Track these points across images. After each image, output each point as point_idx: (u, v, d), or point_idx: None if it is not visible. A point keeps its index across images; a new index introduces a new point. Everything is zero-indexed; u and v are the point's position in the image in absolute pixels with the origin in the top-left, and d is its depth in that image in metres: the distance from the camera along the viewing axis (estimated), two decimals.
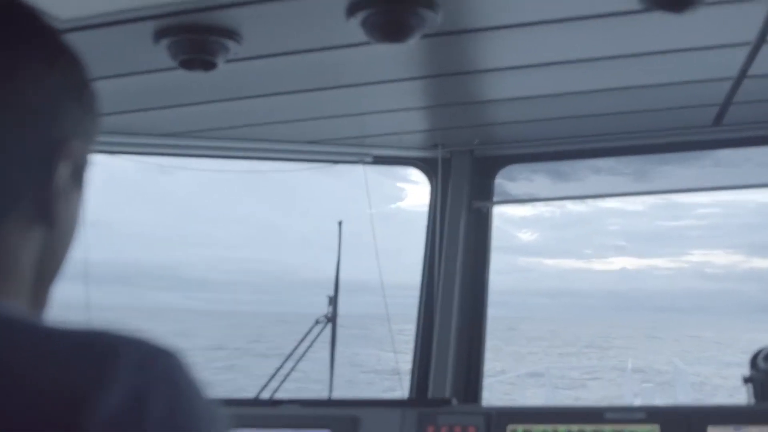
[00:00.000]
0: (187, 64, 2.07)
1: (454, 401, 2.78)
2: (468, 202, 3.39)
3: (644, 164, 3.49)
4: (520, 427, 2.61)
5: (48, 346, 0.60)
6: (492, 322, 3.54)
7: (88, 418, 0.55)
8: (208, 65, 2.07)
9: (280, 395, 2.99)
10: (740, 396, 2.88)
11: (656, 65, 2.40)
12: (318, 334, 3.18)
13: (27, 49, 0.75)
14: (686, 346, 56.41)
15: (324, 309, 3.21)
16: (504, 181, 3.49)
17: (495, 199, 3.47)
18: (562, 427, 2.60)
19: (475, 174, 3.40)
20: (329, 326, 3.19)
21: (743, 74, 2.47)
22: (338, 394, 3.19)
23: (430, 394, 3.29)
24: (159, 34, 1.97)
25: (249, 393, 3.29)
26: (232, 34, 1.99)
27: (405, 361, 3.52)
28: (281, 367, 3.19)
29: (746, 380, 2.81)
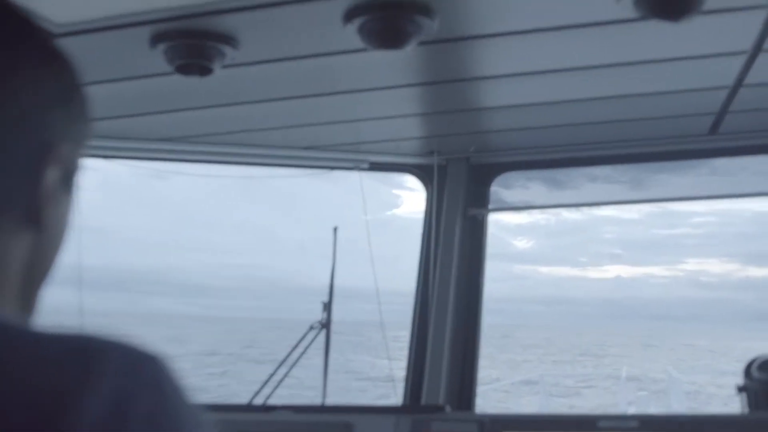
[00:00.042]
0: (184, 70, 2.07)
1: (448, 408, 2.78)
2: (463, 210, 3.39)
3: (640, 172, 3.49)
4: None
5: (35, 350, 0.60)
6: (487, 330, 3.54)
7: (72, 421, 0.55)
8: (205, 70, 2.07)
9: (273, 401, 2.99)
10: (734, 405, 2.87)
11: (652, 74, 2.40)
12: (312, 341, 3.17)
13: (17, 53, 0.75)
14: (681, 355, 56.39)
15: (318, 315, 3.20)
16: (499, 189, 3.50)
17: (490, 206, 3.48)
18: None
19: (470, 181, 3.40)
20: (323, 332, 3.18)
21: (739, 83, 2.47)
22: (331, 401, 3.18)
23: (423, 401, 3.28)
24: (155, 39, 1.97)
25: (242, 399, 3.28)
26: (229, 39, 1.99)
27: (399, 368, 3.51)
28: (274, 373, 3.18)
29: (740, 389, 2.81)
